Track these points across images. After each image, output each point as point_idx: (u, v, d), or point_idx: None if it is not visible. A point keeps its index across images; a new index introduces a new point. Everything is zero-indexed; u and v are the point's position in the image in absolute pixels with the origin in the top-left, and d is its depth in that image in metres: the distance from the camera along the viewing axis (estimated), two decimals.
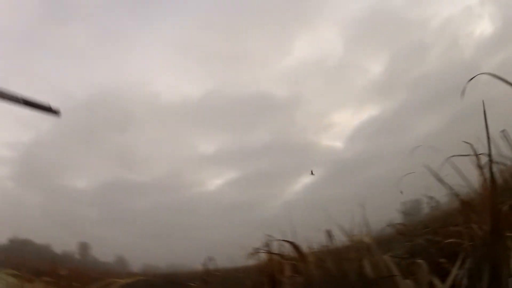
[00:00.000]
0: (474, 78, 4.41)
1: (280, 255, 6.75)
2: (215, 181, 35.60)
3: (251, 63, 41.79)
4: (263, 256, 7.41)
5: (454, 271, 3.66)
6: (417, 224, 7.52)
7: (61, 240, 26.59)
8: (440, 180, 5.91)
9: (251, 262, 8.03)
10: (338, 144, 35.32)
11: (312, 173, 16.18)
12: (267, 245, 7.32)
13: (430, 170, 5.92)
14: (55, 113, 3.87)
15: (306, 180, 30.89)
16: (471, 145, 4.59)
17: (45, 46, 39.11)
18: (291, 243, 6.42)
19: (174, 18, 43.29)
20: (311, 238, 7.13)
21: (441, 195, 6.94)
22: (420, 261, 3.97)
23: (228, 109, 37.03)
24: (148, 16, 41.82)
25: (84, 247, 27.58)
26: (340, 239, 6.42)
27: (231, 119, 38.18)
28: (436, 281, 3.65)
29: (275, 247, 7.15)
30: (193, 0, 41.86)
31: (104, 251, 25.67)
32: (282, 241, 6.82)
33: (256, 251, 7.57)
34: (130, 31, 42.32)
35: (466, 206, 4.77)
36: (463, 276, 3.55)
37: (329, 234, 6.67)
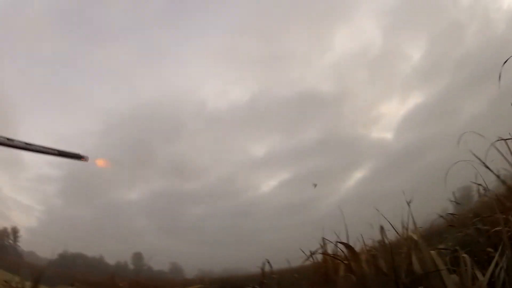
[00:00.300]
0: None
1: (334, 255, 7.19)
2: (268, 183, 36.20)
3: (294, 62, 41.96)
4: (318, 256, 7.85)
5: (494, 262, 3.96)
6: (467, 213, 7.53)
7: (114, 252, 27.94)
8: (486, 166, 6.27)
9: (307, 263, 8.47)
10: (388, 135, 35.14)
11: (315, 186, 16.77)
12: (322, 245, 7.76)
13: (477, 157, 6.29)
14: (83, 159, 4.42)
15: (358, 175, 31.25)
16: None
17: (86, 67, 41.05)
18: (344, 243, 6.84)
19: (211, 25, 44.18)
20: (364, 235, 7.54)
21: (489, 181, 7.20)
22: (464, 255, 4.32)
23: (276, 110, 37.43)
24: (185, 27, 42.96)
25: (138, 257, 28.83)
26: (392, 234, 6.81)
27: (279, 120, 38.62)
28: (479, 274, 3.99)
29: (329, 247, 7.60)
30: (228, 6, 42.82)
31: (158, 260, 26.75)
32: (336, 241, 7.27)
33: (311, 252, 8.02)
34: (169, 43, 43.43)
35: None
36: (502, 267, 3.84)
37: (382, 230, 7.00)
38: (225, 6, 42.70)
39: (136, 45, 41.96)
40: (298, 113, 37.15)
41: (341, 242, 6.99)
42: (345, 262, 6.46)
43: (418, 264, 4.83)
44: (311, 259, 8.25)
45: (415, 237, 5.32)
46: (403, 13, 37.13)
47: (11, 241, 27.97)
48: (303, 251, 8.61)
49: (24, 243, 27.88)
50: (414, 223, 6.09)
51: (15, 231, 28.22)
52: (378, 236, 7.08)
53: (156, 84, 43.10)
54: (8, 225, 27.98)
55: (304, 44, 41.48)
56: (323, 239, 7.74)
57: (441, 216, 7.97)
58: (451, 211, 8.14)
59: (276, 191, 32.18)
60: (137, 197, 33.56)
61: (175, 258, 26.32)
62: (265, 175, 35.48)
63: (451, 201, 8.38)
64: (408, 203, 6.20)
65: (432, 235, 7.49)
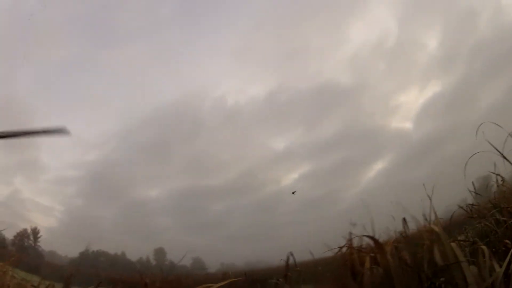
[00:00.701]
0: None
1: (360, 248, 7.50)
2: (290, 177, 36.59)
3: (310, 56, 42.19)
4: (342, 249, 8.15)
5: (511, 253, 4.22)
6: (486, 204, 7.72)
7: (136, 249, 28.59)
8: (504, 157, 6.52)
9: (331, 255, 8.76)
10: (407, 125, 35.28)
11: (293, 193, 17.18)
12: (346, 237, 8.07)
13: (494, 147, 6.55)
14: (64, 132, 4.55)
15: (378, 166, 31.43)
16: None
17: (103, 69, 41.75)
18: (369, 236, 7.12)
19: (227, 22, 44.62)
20: (386, 227, 7.85)
21: (507, 172, 7.44)
22: (483, 246, 4.60)
23: (294, 104, 37.72)
24: (201, 26, 43.42)
25: (160, 252, 29.46)
26: (413, 225, 7.11)
27: (299, 114, 38.91)
28: (496, 266, 4.26)
29: (353, 240, 7.91)
30: (243, 2, 43.06)
31: (180, 255, 27.25)
32: (360, 234, 7.57)
33: (340, 246, 8.32)
34: (186, 42, 44.07)
35: None
36: None
37: (404, 222, 7.28)
38: (241, 2, 43.06)
39: (153, 45, 42.62)
40: (317, 106, 37.42)
41: (367, 236, 7.25)
42: (371, 254, 6.73)
43: (440, 256, 5.09)
44: (335, 251, 8.43)
45: (436, 229, 5.52)
46: (416, 2, 37.14)
47: (31, 242, 28.79)
48: (326, 244, 8.89)
49: (45, 243, 28.71)
50: (435, 214, 6.29)
51: (35, 232, 29.00)
52: (400, 228, 7.39)
53: (175, 83, 43.76)
54: (28, 226, 28.82)
55: (320, 37, 41.68)
56: (350, 233, 8.01)
57: (461, 207, 8.20)
58: (470, 202, 8.33)
59: (297, 184, 32.50)
60: (158, 194, 34.19)
61: (197, 253, 26.88)
62: (286, 169, 35.84)
63: (471, 191, 8.46)
64: (430, 196, 6.36)
65: (452, 226, 7.75)
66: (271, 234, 25.54)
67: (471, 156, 7.27)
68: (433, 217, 6.16)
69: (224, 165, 36.60)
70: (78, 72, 38.57)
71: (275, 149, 36.49)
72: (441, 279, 5.01)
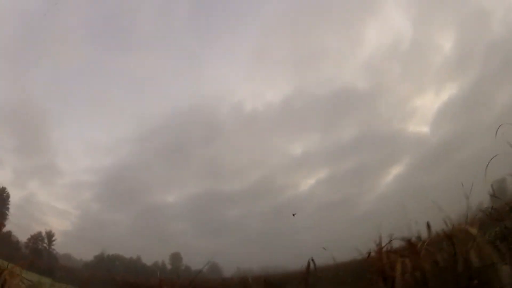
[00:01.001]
0: None
1: (391, 251, 7.40)
2: (307, 182, 36.91)
3: (326, 61, 42.59)
4: (365, 252, 8.07)
5: None
6: (504, 206, 7.77)
7: (152, 253, 28.76)
8: None
9: (349, 259, 8.67)
10: (424, 129, 35.37)
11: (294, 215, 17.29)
12: (374, 241, 7.97)
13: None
14: None
15: (396, 170, 31.35)
16: None
17: (119, 75, 42.38)
18: (404, 239, 7.04)
19: (243, 29, 45.16)
20: (406, 230, 7.78)
21: None
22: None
23: (311, 109, 38.03)
24: (216, 31, 43.97)
25: (176, 257, 29.57)
26: (438, 228, 7.03)
27: (315, 119, 39.12)
28: None
29: (377, 243, 7.81)
30: (258, 8, 43.45)
31: (197, 260, 27.42)
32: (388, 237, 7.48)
33: (355, 249, 8.24)
34: (203, 48, 44.74)
35: None
36: None
37: (428, 226, 7.20)
38: (257, 8, 43.37)
39: (169, 50, 43.21)
40: (333, 111, 37.61)
41: (400, 238, 7.17)
42: (403, 257, 6.63)
43: (475, 257, 5.03)
44: (356, 255, 8.38)
45: (472, 230, 5.47)
46: (430, 3, 36.99)
47: (45, 245, 29.14)
48: (345, 249, 8.81)
49: (60, 247, 29.14)
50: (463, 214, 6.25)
51: (50, 235, 29.40)
52: (423, 231, 7.31)
53: (192, 88, 44.29)
54: (43, 229, 29.20)
55: (335, 41, 42.02)
56: (380, 236, 7.93)
57: (481, 210, 8.11)
58: (487, 205, 8.25)
59: (315, 189, 32.71)
60: (175, 199, 34.57)
61: (213, 257, 26.90)
62: (303, 174, 36.09)
63: (489, 194, 8.36)
64: (467, 196, 6.51)
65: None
66: (288, 239, 25.54)
67: (490, 160, 7.22)
68: (464, 219, 6.09)
69: (241, 170, 36.91)
70: (94, 77, 39.27)
71: (292, 154, 36.79)
72: (475, 281, 4.95)
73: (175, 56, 43.25)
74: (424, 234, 7.25)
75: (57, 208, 32.90)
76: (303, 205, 30.91)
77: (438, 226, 6.85)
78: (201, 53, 43.93)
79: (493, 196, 8.24)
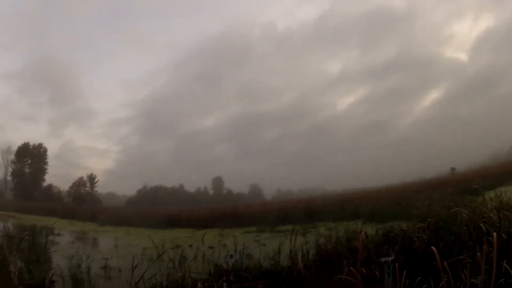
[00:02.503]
0: None
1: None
2: (344, 101, 36.72)
3: None
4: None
5: None
6: None
7: (194, 180, 29.64)
8: None
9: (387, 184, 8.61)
10: (462, 56, 33.94)
11: None
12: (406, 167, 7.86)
13: None
14: None
15: (433, 95, 30.56)
16: None
17: (147, 7, 41.59)
18: None
19: None
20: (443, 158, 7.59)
21: None
22: None
23: (346, 28, 36.59)
24: None
25: (217, 181, 30.37)
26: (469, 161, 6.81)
27: (350, 38, 37.80)
28: None
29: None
30: None
31: (238, 183, 28.18)
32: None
33: (395, 172, 8.17)
34: None
35: None
36: None
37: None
38: None
39: None
40: (369, 30, 36.16)
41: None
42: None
43: None
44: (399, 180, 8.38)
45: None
46: None
47: (88, 189, 30.29)
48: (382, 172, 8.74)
49: (103, 187, 30.35)
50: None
51: (91, 178, 30.49)
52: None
53: (221, 12, 43.33)
54: (84, 174, 30.29)
55: None
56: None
57: None
58: None
59: (352, 109, 32.29)
60: (212, 124, 35.01)
61: (254, 180, 27.61)
62: (340, 92, 35.51)
63: None
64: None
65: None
66: (326, 160, 25.66)
67: None
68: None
69: (277, 92, 36.64)
70: (114, 15, 38.83)
71: (329, 73, 36.00)
72: None
73: None
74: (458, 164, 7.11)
75: (96, 148, 34.08)
76: (340, 126, 30.68)
77: (471, 158, 6.65)
78: None
79: None
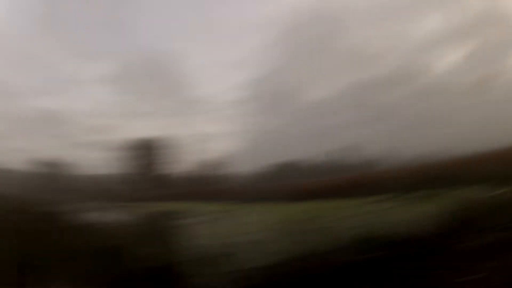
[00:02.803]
0: None
1: None
2: (449, 59, 36.27)
3: None
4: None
5: None
6: None
7: (314, 151, 29.90)
8: None
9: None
10: None
11: None
12: None
13: None
14: None
15: None
16: None
17: None
18: None
19: None
20: None
21: None
22: None
23: None
24: None
25: (352, 150, 30.22)
26: None
27: None
28: None
29: None
30: None
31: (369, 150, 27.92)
32: None
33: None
34: None
35: None
36: None
37: None
38: None
39: None
40: None
41: None
42: None
43: None
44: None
45: None
46: None
47: (216, 172, 31.83)
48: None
49: (229, 167, 31.61)
50: None
51: (217, 161, 32.01)
52: None
53: None
54: (210, 158, 31.84)
55: None
56: None
57: None
58: None
59: (462, 66, 30.38)
60: (327, 93, 34.94)
61: (384, 145, 27.23)
62: (445, 50, 33.73)
63: None
64: None
65: None
66: (439, 123, 24.57)
67: None
68: None
69: (381, 55, 35.70)
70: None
71: (432, 30, 34.41)
72: None
73: None
74: None
75: (217, 133, 35.48)
76: (452, 84, 29.05)
77: None
78: None
79: None
